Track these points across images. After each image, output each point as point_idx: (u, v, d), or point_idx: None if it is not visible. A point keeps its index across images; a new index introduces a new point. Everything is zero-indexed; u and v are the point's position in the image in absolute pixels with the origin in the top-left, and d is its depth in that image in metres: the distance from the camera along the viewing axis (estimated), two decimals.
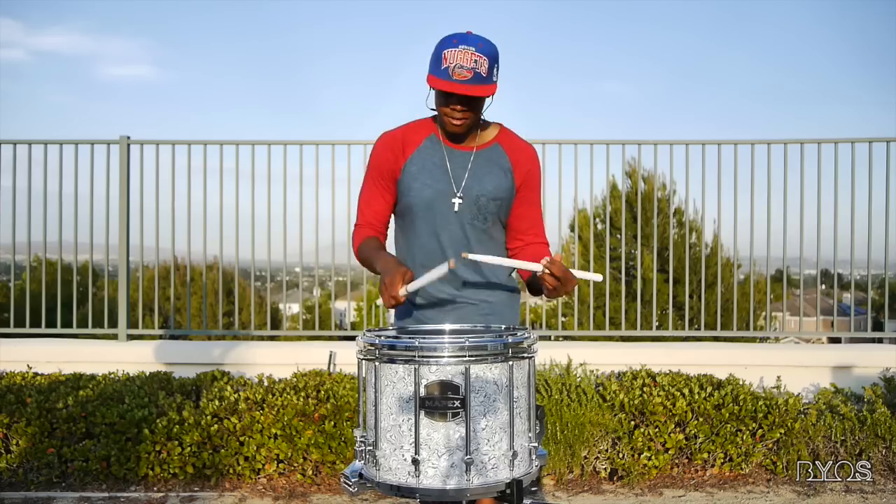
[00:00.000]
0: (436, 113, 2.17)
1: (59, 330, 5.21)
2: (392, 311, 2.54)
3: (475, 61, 2.00)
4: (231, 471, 3.79)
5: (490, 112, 2.21)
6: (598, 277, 2.01)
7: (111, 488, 3.79)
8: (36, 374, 4.39)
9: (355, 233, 2.27)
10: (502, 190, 2.19)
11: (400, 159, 2.18)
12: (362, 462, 1.78)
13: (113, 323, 5.19)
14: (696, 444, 3.89)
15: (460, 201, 2.16)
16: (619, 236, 10.35)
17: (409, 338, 1.74)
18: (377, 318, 5.50)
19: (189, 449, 3.75)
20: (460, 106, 2.05)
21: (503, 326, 2.08)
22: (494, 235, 2.24)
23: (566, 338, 5.52)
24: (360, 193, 2.28)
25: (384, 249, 2.22)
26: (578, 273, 1.98)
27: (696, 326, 5.40)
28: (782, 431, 3.88)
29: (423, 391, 1.68)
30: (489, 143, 2.21)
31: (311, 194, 5.19)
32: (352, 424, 3.74)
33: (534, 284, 2.18)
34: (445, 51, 2.01)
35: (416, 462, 1.68)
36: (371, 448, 1.75)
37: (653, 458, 3.85)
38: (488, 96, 2.08)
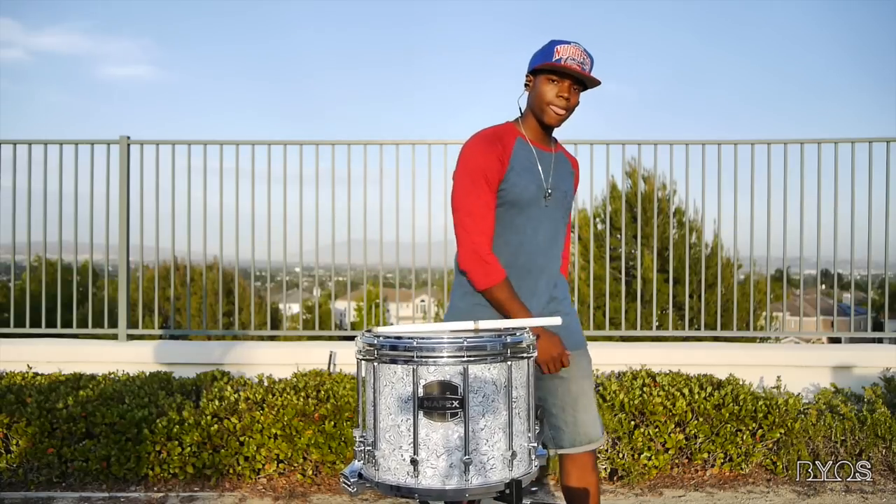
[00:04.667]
0: (515, 118, 2.36)
1: (59, 330, 5.21)
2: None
3: (583, 58, 2.21)
4: (231, 471, 3.79)
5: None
6: (558, 321, 2.06)
7: (111, 488, 3.79)
8: (36, 374, 4.39)
9: (488, 257, 2.21)
10: (573, 192, 2.44)
11: (504, 159, 2.26)
12: (361, 462, 1.78)
13: (113, 323, 5.19)
14: (696, 444, 3.89)
15: (550, 199, 2.32)
16: (619, 236, 10.35)
17: (408, 338, 1.74)
18: (377, 318, 5.50)
19: (189, 449, 3.75)
20: (567, 94, 2.23)
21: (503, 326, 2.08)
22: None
23: None
24: (469, 199, 2.22)
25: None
26: (539, 321, 2.06)
27: (696, 326, 5.40)
28: (782, 431, 3.88)
29: (421, 391, 1.68)
30: (557, 149, 2.41)
31: (311, 194, 5.19)
32: (352, 424, 3.74)
33: None
34: (557, 46, 2.21)
35: (414, 462, 1.68)
36: (370, 448, 1.75)
37: (653, 458, 3.85)
38: (596, 85, 2.26)
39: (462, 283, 2.30)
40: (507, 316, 2.19)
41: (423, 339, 1.71)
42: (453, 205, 2.26)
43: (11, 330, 5.26)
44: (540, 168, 2.31)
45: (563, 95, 2.23)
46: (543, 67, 2.23)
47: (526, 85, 2.33)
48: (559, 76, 2.23)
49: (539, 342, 2.13)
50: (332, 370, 4.53)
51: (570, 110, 2.27)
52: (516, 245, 2.29)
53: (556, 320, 2.03)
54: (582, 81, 2.25)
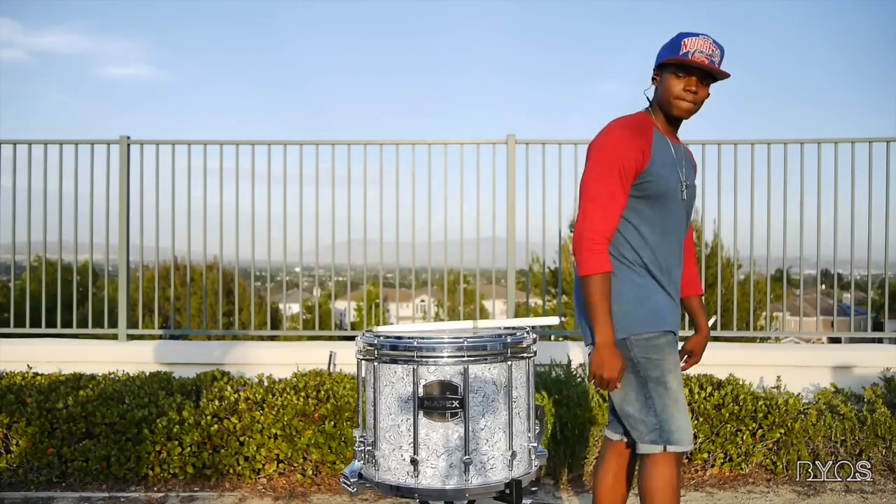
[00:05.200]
0: (645, 108, 2.32)
1: (59, 330, 5.21)
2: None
3: (712, 51, 2.16)
4: (231, 471, 3.79)
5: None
6: (555, 321, 2.06)
7: (111, 488, 3.79)
8: (36, 374, 4.39)
9: (594, 246, 2.13)
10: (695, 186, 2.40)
11: (647, 151, 2.20)
12: (362, 462, 1.78)
13: (113, 323, 5.19)
14: (695, 444, 3.88)
15: (687, 191, 2.30)
16: None
17: (408, 338, 1.74)
18: (377, 318, 5.50)
19: (189, 449, 3.75)
20: (695, 87, 2.19)
21: (503, 326, 2.07)
22: None
23: (566, 338, 5.52)
24: (596, 185, 2.18)
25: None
26: (537, 321, 2.03)
27: None
28: (782, 431, 3.88)
29: (421, 391, 1.68)
30: (680, 142, 2.38)
31: (311, 194, 5.20)
32: (352, 424, 3.74)
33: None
34: (685, 39, 2.17)
35: (414, 462, 1.68)
36: (370, 448, 1.75)
37: None
38: (725, 78, 2.22)
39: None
40: (589, 312, 2.05)
41: (423, 338, 1.71)
42: (580, 187, 2.22)
43: (11, 330, 5.26)
44: (675, 159, 2.29)
45: (690, 90, 2.20)
46: (670, 62, 2.19)
47: (653, 79, 2.30)
48: (686, 71, 2.19)
49: (602, 354, 1.98)
50: (332, 370, 4.53)
51: (698, 104, 2.23)
52: (658, 239, 2.24)
53: (553, 320, 2.02)
54: (711, 74, 2.20)
